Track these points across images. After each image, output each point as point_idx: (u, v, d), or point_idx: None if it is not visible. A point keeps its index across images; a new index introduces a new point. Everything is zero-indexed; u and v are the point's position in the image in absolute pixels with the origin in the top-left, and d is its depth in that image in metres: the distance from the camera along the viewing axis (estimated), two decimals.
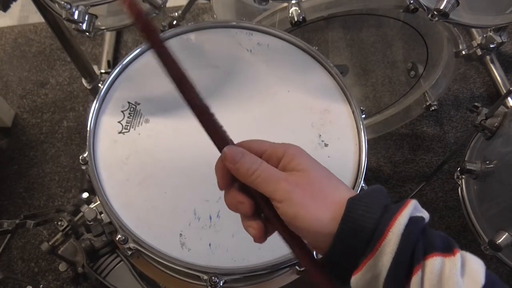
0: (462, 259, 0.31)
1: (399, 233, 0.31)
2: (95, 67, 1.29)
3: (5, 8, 0.81)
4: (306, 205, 0.33)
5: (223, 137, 0.37)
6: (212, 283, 0.54)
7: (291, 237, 0.36)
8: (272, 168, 0.35)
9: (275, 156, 0.37)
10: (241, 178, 0.36)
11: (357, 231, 0.32)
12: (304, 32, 0.98)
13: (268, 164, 0.36)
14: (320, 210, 0.33)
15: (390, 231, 0.31)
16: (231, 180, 0.37)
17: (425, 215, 0.34)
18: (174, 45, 0.72)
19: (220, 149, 0.37)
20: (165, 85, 0.67)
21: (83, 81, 1.21)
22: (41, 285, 0.98)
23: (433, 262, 0.31)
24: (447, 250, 0.31)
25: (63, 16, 0.76)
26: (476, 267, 0.31)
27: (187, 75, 0.35)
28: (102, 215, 0.67)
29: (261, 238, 0.37)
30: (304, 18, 0.77)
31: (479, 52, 0.95)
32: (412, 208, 0.33)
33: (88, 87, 1.22)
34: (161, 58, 0.35)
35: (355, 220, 0.32)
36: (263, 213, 0.37)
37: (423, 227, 0.33)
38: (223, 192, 0.38)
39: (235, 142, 0.38)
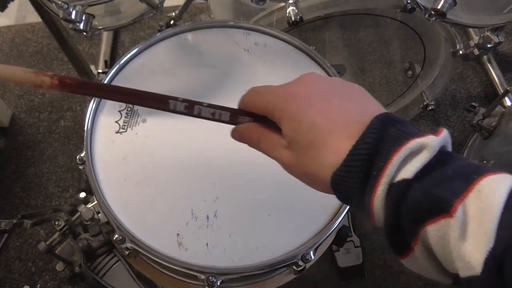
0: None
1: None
2: (92, 67, 1.29)
3: (2, 7, 0.81)
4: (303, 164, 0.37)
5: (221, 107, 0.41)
6: (209, 283, 0.54)
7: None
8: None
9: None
10: None
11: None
12: (301, 31, 0.98)
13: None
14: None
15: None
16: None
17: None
18: (171, 44, 0.72)
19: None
20: (162, 85, 0.68)
21: None
22: (38, 285, 0.99)
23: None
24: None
25: (60, 16, 0.75)
26: None
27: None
28: (99, 215, 0.67)
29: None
30: (301, 18, 0.77)
31: (476, 51, 0.95)
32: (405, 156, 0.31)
33: None
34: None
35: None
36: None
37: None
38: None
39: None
